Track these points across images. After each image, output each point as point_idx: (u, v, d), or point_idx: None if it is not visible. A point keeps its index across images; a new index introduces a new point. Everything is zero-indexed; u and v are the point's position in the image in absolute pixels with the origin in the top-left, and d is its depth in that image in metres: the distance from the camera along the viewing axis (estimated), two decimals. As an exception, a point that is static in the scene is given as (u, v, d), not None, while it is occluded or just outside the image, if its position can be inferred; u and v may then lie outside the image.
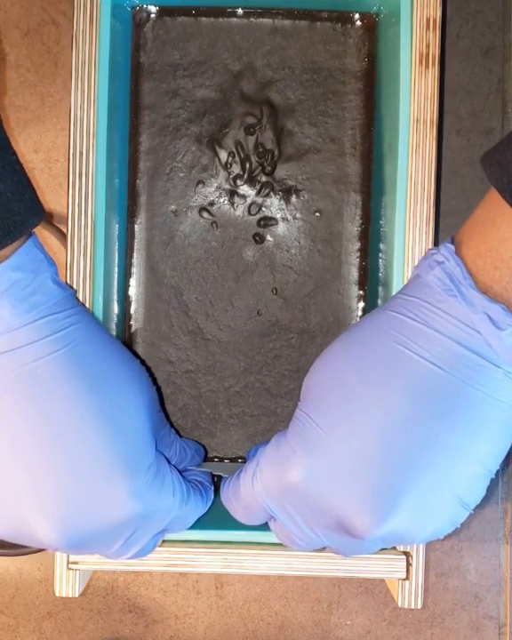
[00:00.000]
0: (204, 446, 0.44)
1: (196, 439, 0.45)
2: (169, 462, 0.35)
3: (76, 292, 0.37)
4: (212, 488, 0.38)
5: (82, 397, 0.31)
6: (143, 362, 0.43)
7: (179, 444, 0.39)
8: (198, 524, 0.39)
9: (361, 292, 0.45)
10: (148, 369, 0.44)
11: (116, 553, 0.34)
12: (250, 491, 0.34)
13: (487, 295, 0.30)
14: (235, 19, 0.44)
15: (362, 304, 0.45)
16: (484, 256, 0.30)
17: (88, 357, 0.32)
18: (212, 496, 0.38)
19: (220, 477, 0.39)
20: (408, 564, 0.37)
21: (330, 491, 0.31)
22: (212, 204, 0.45)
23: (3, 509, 0.31)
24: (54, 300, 0.32)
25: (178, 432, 0.43)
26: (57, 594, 0.38)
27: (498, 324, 0.29)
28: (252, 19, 0.44)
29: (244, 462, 0.41)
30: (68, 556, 0.37)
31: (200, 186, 0.45)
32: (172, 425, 0.43)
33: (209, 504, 0.37)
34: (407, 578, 0.38)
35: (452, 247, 0.32)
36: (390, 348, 0.31)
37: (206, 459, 0.44)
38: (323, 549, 0.37)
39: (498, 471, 0.41)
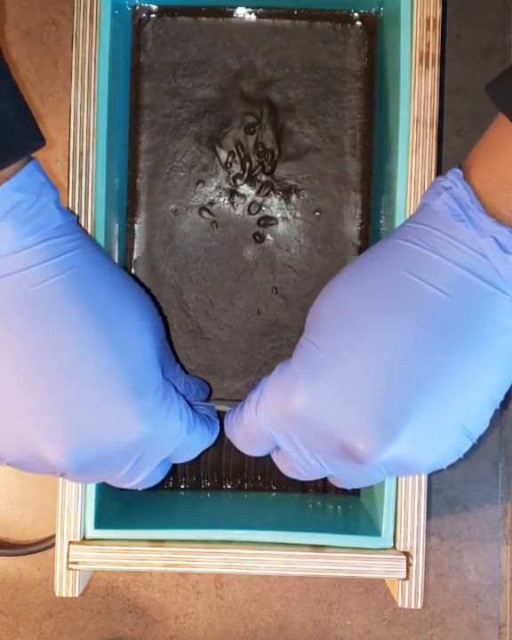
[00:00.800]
0: (208, 384, 0.43)
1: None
2: (176, 390, 0.35)
3: (78, 218, 0.37)
4: (218, 422, 0.37)
5: (86, 320, 0.31)
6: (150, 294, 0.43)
7: (184, 379, 0.39)
8: (198, 524, 0.39)
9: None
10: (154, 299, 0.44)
11: (124, 478, 0.33)
12: (253, 419, 0.33)
13: (495, 219, 0.29)
14: (235, 18, 0.44)
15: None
16: (493, 179, 0.30)
17: (91, 281, 0.31)
18: (218, 429, 0.37)
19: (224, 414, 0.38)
20: (408, 564, 0.37)
21: (334, 415, 0.31)
22: (211, 203, 0.45)
23: (12, 434, 0.31)
24: (57, 224, 0.31)
25: (183, 368, 0.43)
26: (57, 594, 0.38)
27: (506, 247, 0.29)
28: (252, 18, 0.44)
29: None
30: (68, 556, 0.37)
31: (200, 185, 0.45)
32: (177, 359, 0.43)
33: (215, 436, 0.37)
34: (407, 578, 0.38)
35: (460, 172, 0.31)
36: (397, 275, 0.31)
37: (209, 399, 0.44)
38: (322, 549, 0.37)
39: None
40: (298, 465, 0.34)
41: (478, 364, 0.30)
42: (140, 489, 0.36)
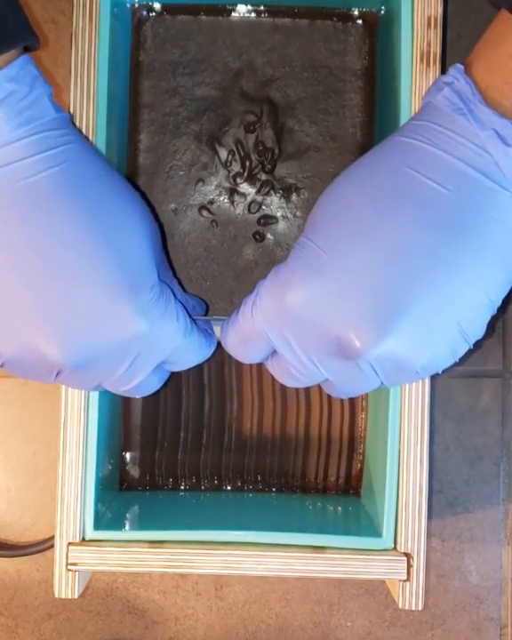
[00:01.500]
0: (206, 303, 0.43)
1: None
2: (174, 295, 0.35)
3: (73, 116, 0.37)
4: (215, 337, 0.37)
5: (79, 214, 0.30)
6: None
7: (181, 292, 0.38)
8: (198, 526, 0.39)
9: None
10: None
11: (121, 380, 0.33)
12: (249, 320, 0.33)
13: (497, 111, 0.29)
14: (234, 17, 0.44)
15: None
16: (494, 72, 0.30)
17: (85, 176, 0.31)
18: (216, 342, 0.36)
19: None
20: (409, 566, 0.37)
21: (330, 309, 0.30)
22: (211, 202, 0.45)
23: (8, 330, 0.31)
24: (50, 118, 0.31)
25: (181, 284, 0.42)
26: (56, 595, 0.38)
27: (506, 140, 0.29)
28: (252, 17, 0.44)
29: None
30: (67, 557, 0.37)
31: (200, 184, 0.45)
32: (175, 274, 0.42)
33: (212, 348, 0.36)
34: (408, 579, 0.37)
35: (462, 67, 0.31)
36: (398, 171, 0.31)
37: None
38: (322, 550, 0.37)
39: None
40: (293, 368, 0.33)
41: (476, 261, 0.30)
42: (137, 396, 0.35)
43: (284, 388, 0.45)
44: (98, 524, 0.38)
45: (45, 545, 0.46)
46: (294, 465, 0.45)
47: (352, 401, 0.45)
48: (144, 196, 0.43)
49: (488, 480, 0.47)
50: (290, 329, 0.32)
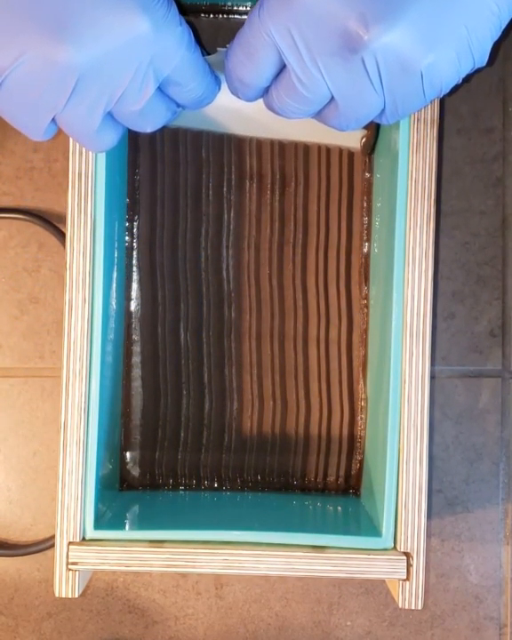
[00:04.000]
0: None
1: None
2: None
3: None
4: (221, 78, 0.36)
5: None
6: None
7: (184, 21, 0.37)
8: (198, 525, 0.39)
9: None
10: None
11: (128, 97, 0.32)
12: (256, 26, 0.32)
13: None
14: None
15: (363, 301, 0.45)
16: None
17: None
18: (221, 82, 0.36)
19: None
20: (408, 565, 0.37)
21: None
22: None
23: (11, 36, 0.30)
24: None
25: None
26: (57, 594, 0.38)
27: None
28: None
29: None
30: (67, 557, 0.37)
31: (200, 185, 0.45)
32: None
33: (217, 85, 0.36)
34: (407, 579, 0.37)
35: None
36: None
37: None
38: (322, 550, 0.37)
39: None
40: (297, 80, 0.32)
41: None
42: (148, 130, 0.35)
43: (283, 388, 0.45)
44: (98, 524, 0.38)
45: (46, 544, 0.46)
46: (294, 464, 0.45)
47: (352, 400, 0.45)
48: None
49: (487, 480, 0.47)
50: (296, 26, 0.31)
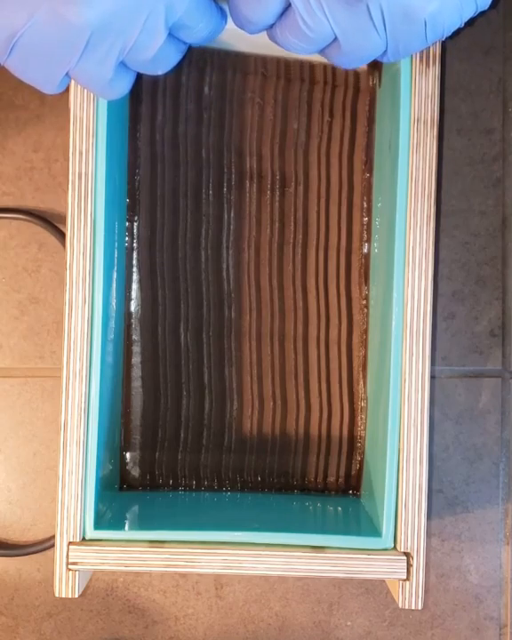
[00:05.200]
0: None
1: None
2: None
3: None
4: (226, 13, 0.36)
5: None
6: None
7: None
8: (198, 526, 0.39)
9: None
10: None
11: (140, 46, 0.32)
12: None
13: None
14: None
15: (363, 302, 0.45)
16: None
17: None
18: (227, 17, 0.36)
19: None
20: (408, 565, 0.37)
21: None
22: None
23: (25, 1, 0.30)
24: None
25: None
26: (57, 595, 0.38)
27: None
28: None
29: None
30: (67, 557, 0.37)
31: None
32: None
33: (225, 20, 0.36)
34: (408, 579, 0.37)
35: None
36: None
37: None
38: (322, 550, 0.37)
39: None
40: (301, 20, 0.32)
41: None
42: (160, 73, 0.35)
43: (284, 388, 0.45)
44: (98, 524, 0.38)
45: (46, 544, 0.46)
46: (294, 465, 0.45)
47: (352, 400, 0.45)
48: None
49: (487, 480, 0.47)
50: None
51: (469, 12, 0.32)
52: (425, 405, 0.38)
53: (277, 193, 0.45)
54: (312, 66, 0.44)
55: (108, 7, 0.30)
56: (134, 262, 0.45)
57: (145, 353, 0.45)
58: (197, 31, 0.35)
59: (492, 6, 0.33)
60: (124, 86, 0.35)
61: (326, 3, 0.32)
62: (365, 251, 0.45)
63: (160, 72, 0.35)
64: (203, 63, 0.43)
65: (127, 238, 0.45)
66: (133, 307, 0.45)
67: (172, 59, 0.35)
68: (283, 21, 0.34)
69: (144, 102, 0.44)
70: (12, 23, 0.30)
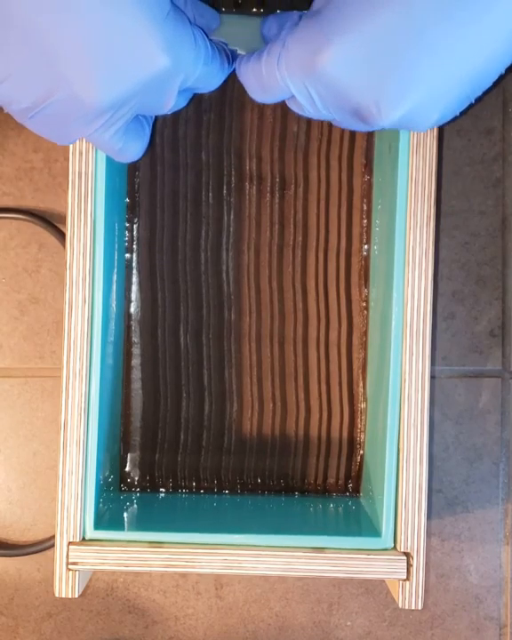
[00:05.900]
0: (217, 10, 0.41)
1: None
2: (188, 19, 0.34)
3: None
4: (232, 58, 0.37)
5: None
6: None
7: (191, 5, 0.37)
8: (198, 528, 0.39)
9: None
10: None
11: (155, 108, 0.34)
12: (273, 72, 0.33)
13: None
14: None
15: (363, 304, 0.45)
16: None
17: None
18: (233, 63, 0.37)
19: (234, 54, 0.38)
20: (408, 565, 0.37)
21: (356, 76, 0.31)
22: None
23: (43, 79, 0.31)
24: None
25: None
26: (56, 595, 0.38)
27: None
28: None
29: None
30: (67, 557, 0.37)
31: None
32: None
33: (232, 67, 0.37)
34: (407, 579, 0.37)
35: None
36: None
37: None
38: (322, 550, 0.37)
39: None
40: (307, 111, 0.34)
41: (483, 16, 0.30)
42: (169, 113, 0.36)
43: (283, 390, 0.45)
44: (98, 524, 0.38)
45: (46, 544, 0.46)
46: (294, 467, 0.45)
47: (352, 402, 0.45)
48: None
49: (487, 480, 0.47)
50: (313, 86, 0.32)
51: (464, 107, 0.33)
52: (425, 405, 0.38)
53: (277, 195, 0.45)
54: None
55: (125, 89, 0.31)
56: (134, 264, 0.45)
57: (145, 355, 0.45)
58: (205, 88, 0.36)
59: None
60: (136, 151, 0.36)
61: (336, 113, 0.33)
62: (365, 253, 0.45)
63: (168, 113, 0.36)
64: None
65: (127, 240, 0.45)
66: (133, 308, 0.45)
67: (180, 105, 0.36)
68: (289, 100, 0.35)
69: (144, 103, 0.44)
70: (33, 99, 0.31)
